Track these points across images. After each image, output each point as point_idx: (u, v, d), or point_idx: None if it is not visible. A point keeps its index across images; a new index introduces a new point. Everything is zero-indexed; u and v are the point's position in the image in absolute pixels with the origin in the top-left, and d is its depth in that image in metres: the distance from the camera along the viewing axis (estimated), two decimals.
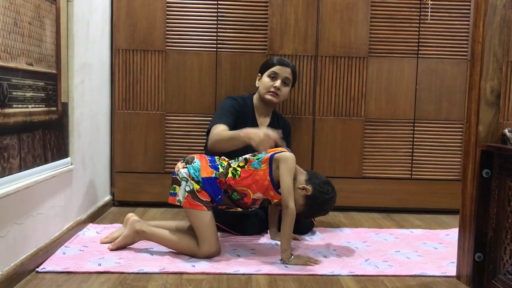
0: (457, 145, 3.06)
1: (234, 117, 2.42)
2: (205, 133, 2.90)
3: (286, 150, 2.14)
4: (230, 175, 2.08)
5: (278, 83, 2.49)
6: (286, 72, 2.51)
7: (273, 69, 2.51)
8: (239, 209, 2.20)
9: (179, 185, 2.08)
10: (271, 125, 2.58)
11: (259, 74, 2.59)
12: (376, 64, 3.01)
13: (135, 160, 3.01)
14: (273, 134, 2.01)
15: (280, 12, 2.96)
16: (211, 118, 2.95)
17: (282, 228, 2.03)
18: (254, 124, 2.54)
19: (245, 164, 2.10)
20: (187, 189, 2.06)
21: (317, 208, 2.12)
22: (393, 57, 3.01)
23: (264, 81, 2.52)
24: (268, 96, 2.50)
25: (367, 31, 2.99)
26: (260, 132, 2.03)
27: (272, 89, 2.49)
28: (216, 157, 2.18)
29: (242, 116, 2.48)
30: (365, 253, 2.20)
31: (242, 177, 2.07)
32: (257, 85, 2.58)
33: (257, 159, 2.11)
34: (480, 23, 1.82)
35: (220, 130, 2.28)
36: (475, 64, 1.85)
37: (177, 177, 2.09)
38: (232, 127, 2.34)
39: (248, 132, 2.08)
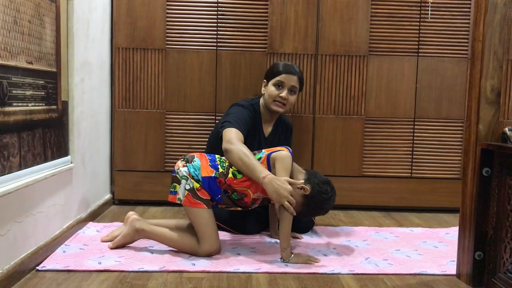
0: (457, 144, 3.06)
1: (248, 127, 2.33)
2: (205, 132, 2.91)
3: (285, 149, 2.13)
4: (230, 175, 2.08)
5: (284, 93, 2.40)
6: (292, 80, 2.41)
7: (278, 77, 2.41)
8: (239, 209, 2.21)
9: (179, 183, 2.08)
10: (273, 132, 2.56)
11: (265, 80, 2.50)
12: (376, 62, 3.01)
13: (135, 159, 3.01)
14: (290, 199, 1.97)
15: (280, 11, 2.96)
16: (211, 117, 2.98)
17: (281, 227, 2.03)
18: (260, 132, 2.51)
19: None
20: (187, 187, 2.06)
21: (315, 207, 2.11)
22: (393, 56, 3.01)
23: (269, 90, 2.43)
24: (274, 107, 2.43)
25: (367, 30, 2.98)
26: (280, 190, 1.97)
27: (278, 99, 2.41)
28: (217, 156, 2.17)
29: (252, 124, 2.42)
30: (365, 252, 2.20)
31: (243, 178, 2.07)
32: (262, 91, 2.50)
33: (257, 159, 2.11)
34: (480, 22, 1.81)
35: (238, 140, 2.14)
36: (476, 62, 1.85)
37: (177, 175, 2.09)
38: (245, 138, 2.25)
39: (264, 180, 1.99)
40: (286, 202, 1.97)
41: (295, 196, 2.03)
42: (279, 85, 2.42)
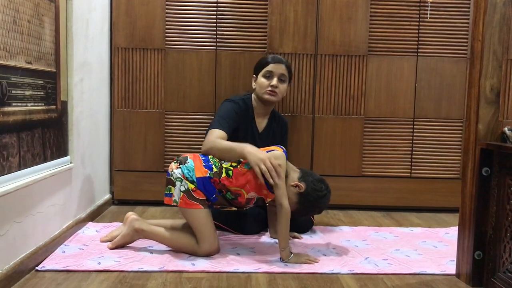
0: (456, 144, 3.06)
1: (234, 122, 2.37)
2: (204, 132, 2.90)
3: (279, 149, 2.13)
4: (224, 174, 2.08)
5: (274, 81, 2.44)
6: (280, 69, 2.46)
7: (267, 68, 2.45)
8: (234, 209, 2.20)
9: (174, 185, 2.07)
10: (268, 127, 2.56)
11: (254, 75, 2.53)
12: (375, 62, 3.01)
13: (134, 159, 3.01)
14: (272, 162, 2.00)
15: (280, 11, 2.96)
16: (211, 117, 2.98)
17: (278, 227, 2.03)
18: (254, 126, 2.52)
19: (238, 164, 2.10)
20: (182, 189, 2.06)
21: (310, 205, 2.11)
22: (392, 56, 3.01)
23: (260, 82, 2.47)
24: (266, 96, 2.45)
25: (366, 30, 2.98)
26: (259, 154, 2.03)
27: (270, 88, 2.44)
28: (210, 157, 2.16)
29: (243, 119, 2.45)
30: (364, 252, 2.20)
31: (236, 177, 2.07)
32: (253, 86, 2.53)
33: None
34: (479, 21, 1.81)
35: (215, 137, 2.21)
36: (475, 62, 1.85)
37: (171, 177, 2.09)
38: (230, 134, 2.29)
39: (244, 150, 2.07)
40: (262, 166, 1.99)
41: (289, 194, 2.03)
42: (268, 76, 2.46)
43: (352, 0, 2.96)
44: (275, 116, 2.62)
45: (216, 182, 2.08)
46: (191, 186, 2.05)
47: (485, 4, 1.79)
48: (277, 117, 2.64)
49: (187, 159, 2.11)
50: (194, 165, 2.09)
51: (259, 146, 2.30)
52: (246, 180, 2.07)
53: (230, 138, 2.25)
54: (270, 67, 2.46)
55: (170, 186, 2.09)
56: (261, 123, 2.56)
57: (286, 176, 2.08)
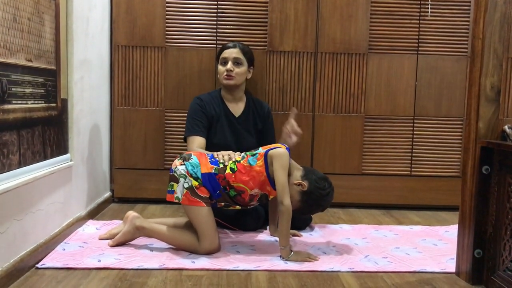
0: (456, 142, 3.06)
1: (204, 117, 2.54)
2: None
3: (282, 146, 2.14)
4: (228, 170, 2.08)
5: (228, 65, 2.56)
6: (233, 53, 2.57)
7: (222, 55, 2.59)
8: (237, 207, 2.20)
9: (177, 182, 2.07)
10: (246, 111, 2.65)
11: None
12: (376, 60, 3.01)
13: (134, 157, 3.01)
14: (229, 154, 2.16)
15: (280, 9, 2.95)
16: None
17: (280, 224, 2.03)
18: (228, 113, 2.62)
19: (241, 160, 2.11)
20: (186, 185, 2.06)
21: (313, 204, 2.11)
22: (393, 54, 3.01)
23: (218, 69, 2.62)
24: (224, 81, 2.59)
25: (367, 28, 2.98)
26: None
27: (225, 73, 2.56)
28: (214, 154, 2.17)
29: (212, 106, 2.59)
30: (364, 250, 2.20)
31: (239, 172, 2.07)
32: (219, 77, 2.68)
33: (253, 155, 2.11)
34: (480, 20, 1.81)
35: (196, 147, 2.45)
36: (475, 60, 1.85)
37: (175, 174, 2.09)
38: (206, 131, 2.53)
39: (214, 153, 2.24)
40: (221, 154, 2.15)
41: (293, 193, 2.04)
42: (224, 62, 2.60)
43: None
44: (253, 102, 2.70)
45: (221, 178, 2.08)
46: (195, 183, 2.05)
47: (485, 2, 1.79)
48: (256, 103, 2.72)
49: (191, 156, 2.12)
50: (199, 161, 2.09)
51: (238, 130, 2.40)
52: (249, 176, 2.07)
53: (208, 126, 2.55)
54: (224, 53, 2.60)
55: (173, 183, 2.09)
56: (236, 108, 2.65)
57: (289, 175, 2.08)
